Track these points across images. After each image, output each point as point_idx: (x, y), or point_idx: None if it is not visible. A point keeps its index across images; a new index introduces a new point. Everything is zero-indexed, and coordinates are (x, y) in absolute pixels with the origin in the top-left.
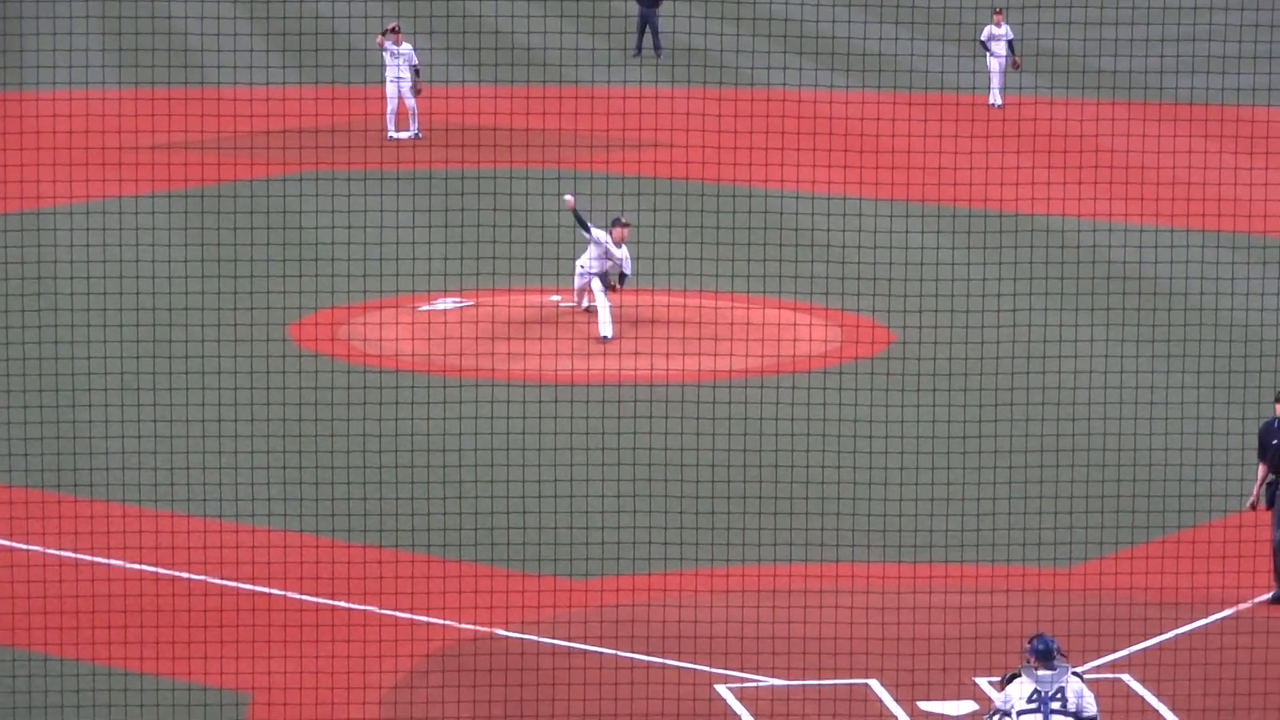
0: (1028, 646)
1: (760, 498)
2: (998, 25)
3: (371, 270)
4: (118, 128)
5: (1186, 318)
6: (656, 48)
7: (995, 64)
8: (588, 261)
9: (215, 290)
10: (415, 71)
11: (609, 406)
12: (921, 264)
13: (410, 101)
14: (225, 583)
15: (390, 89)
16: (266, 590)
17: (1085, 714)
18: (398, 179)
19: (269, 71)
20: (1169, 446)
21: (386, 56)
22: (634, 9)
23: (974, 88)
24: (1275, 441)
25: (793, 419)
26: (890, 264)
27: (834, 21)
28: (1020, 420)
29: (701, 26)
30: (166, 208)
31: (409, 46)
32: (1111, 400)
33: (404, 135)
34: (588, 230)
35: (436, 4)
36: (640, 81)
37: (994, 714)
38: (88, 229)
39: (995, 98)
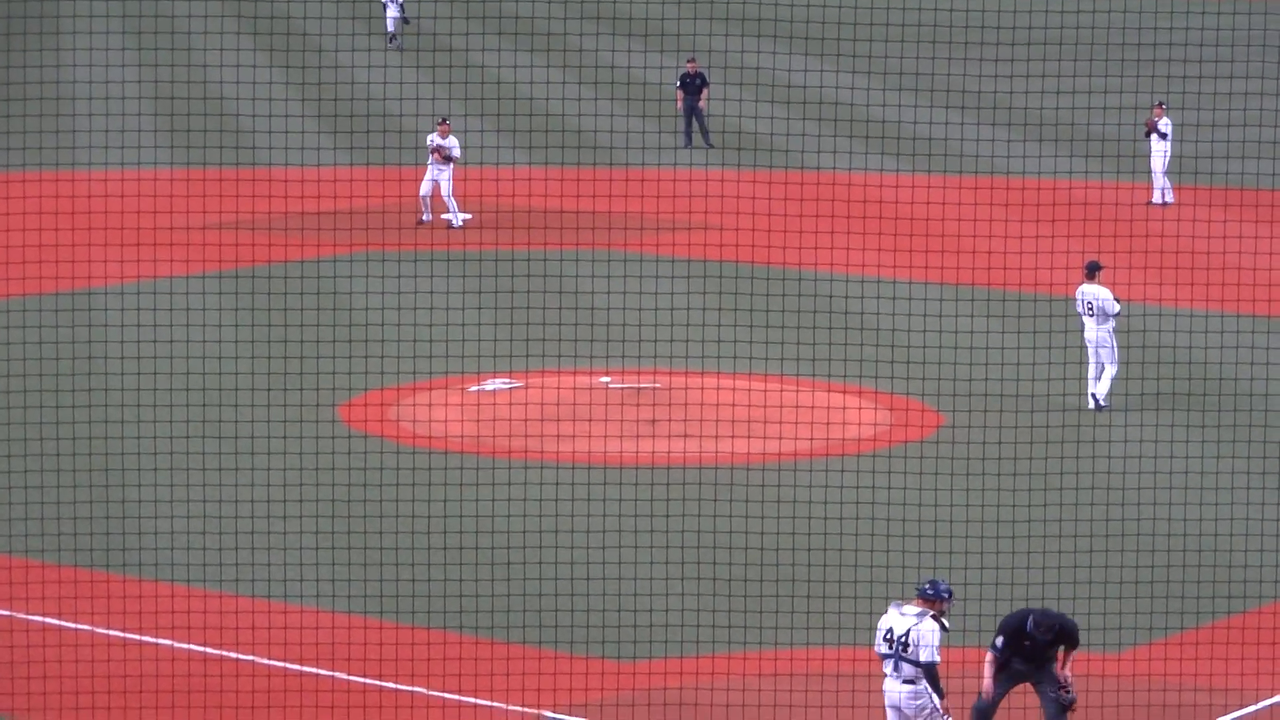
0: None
1: (809, 581)
2: (1160, 118)
3: (421, 351)
4: (168, 208)
5: (1237, 403)
6: (706, 139)
7: (1158, 160)
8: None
9: (265, 370)
10: (447, 158)
11: (658, 489)
12: (971, 347)
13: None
14: (274, 663)
15: (430, 175)
16: (315, 671)
17: (919, 660)
18: (448, 260)
19: (320, 153)
20: (1219, 532)
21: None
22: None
23: (1024, 171)
24: None
25: (841, 502)
26: (940, 347)
27: (884, 105)
28: (1070, 504)
29: (751, 110)
30: (217, 288)
31: (454, 140)
32: (1162, 485)
33: (463, 218)
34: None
35: (487, 86)
36: (690, 164)
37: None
38: (138, 309)
39: (1159, 195)
